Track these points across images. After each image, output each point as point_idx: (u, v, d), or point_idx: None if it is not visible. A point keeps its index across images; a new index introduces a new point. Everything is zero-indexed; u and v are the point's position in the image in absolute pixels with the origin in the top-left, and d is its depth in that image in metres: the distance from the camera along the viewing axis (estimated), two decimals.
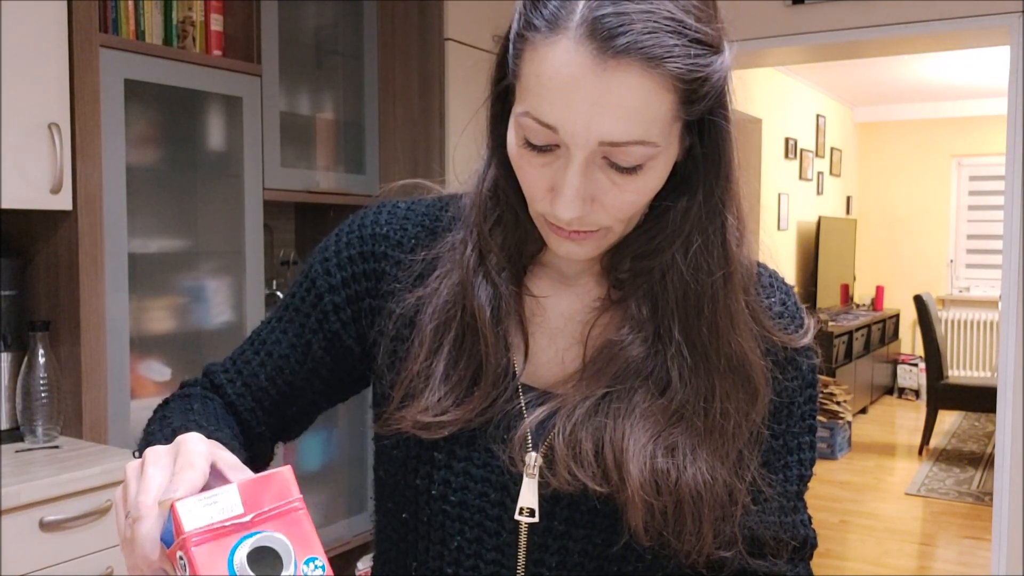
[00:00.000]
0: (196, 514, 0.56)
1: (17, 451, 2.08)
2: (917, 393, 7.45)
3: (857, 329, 6.67)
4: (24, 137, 2.02)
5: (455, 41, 2.99)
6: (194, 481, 0.59)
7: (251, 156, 2.64)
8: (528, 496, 0.78)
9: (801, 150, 6.99)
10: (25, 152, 2.02)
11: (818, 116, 7.41)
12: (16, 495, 1.80)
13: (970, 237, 8.02)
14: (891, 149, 8.30)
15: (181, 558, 0.55)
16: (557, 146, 0.71)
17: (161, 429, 0.81)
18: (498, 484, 0.79)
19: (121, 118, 2.27)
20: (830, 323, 6.34)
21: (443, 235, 0.86)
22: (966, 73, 6.62)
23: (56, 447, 2.11)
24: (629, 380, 0.77)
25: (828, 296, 7.12)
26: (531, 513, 0.78)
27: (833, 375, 6.11)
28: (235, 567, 0.55)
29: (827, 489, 4.99)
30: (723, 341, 0.77)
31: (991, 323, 7.74)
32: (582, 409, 0.77)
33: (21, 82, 2.02)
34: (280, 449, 3.10)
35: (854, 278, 7.97)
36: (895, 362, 7.71)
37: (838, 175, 7.97)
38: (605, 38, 0.65)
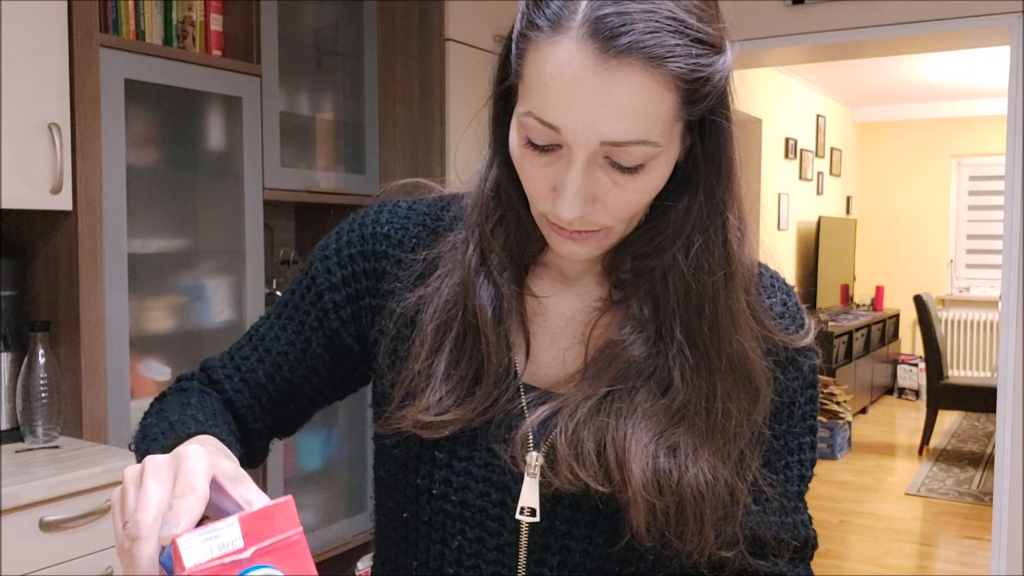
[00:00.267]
0: (197, 549, 0.56)
1: (17, 451, 2.08)
2: (917, 393, 7.45)
3: (857, 329, 6.67)
4: (24, 137, 2.02)
5: (455, 41, 2.99)
6: (195, 511, 0.59)
7: (251, 156, 2.64)
8: (529, 496, 0.78)
9: (801, 150, 6.99)
10: (25, 152, 2.02)
11: (818, 116, 7.41)
12: (16, 495, 1.80)
13: (970, 237, 8.02)
14: (891, 149, 8.30)
15: None
16: (559, 146, 0.71)
17: (159, 423, 0.81)
18: (499, 484, 0.79)
19: (121, 118, 2.27)
20: (830, 323, 6.34)
21: (444, 235, 0.86)
22: (966, 73, 6.62)
23: (56, 447, 2.11)
24: (631, 380, 0.78)
25: (828, 296, 7.12)
26: (532, 513, 0.78)
27: (833, 375, 6.11)
28: None
29: (827, 489, 4.99)
30: (724, 341, 0.77)
31: (991, 323, 7.74)
32: (584, 409, 0.77)
33: (21, 82, 2.02)
34: (280, 449, 3.10)
35: (854, 278, 7.98)
36: (895, 362, 7.71)
37: (838, 175, 7.98)
38: (607, 38, 0.65)
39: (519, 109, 0.72)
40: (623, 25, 0.65)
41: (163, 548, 0.58)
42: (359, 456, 3.15)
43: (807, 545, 0.85)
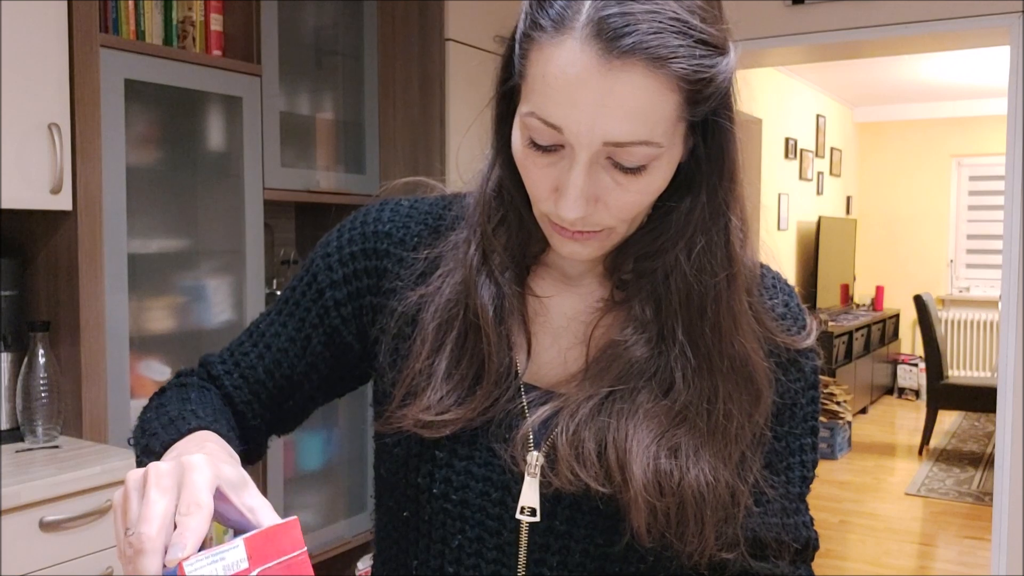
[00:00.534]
0: (203, 572, 0.57)
1: (17, 451, 2.08)
2: (917, 393, 7.45)
3: (857, 329, 6.67)
4: (24, 137, 2.02)
5: (455, 41, 2.98)
6: (201, 530, 0.58)
7: (251, 156, 2.64)
8: (529, 495, 0.78)
9: (801, 150, 6.99)
10: (25, 152, 2.02)
11: (818, 116, 7.41)
12: (16, 495, 1.80)
13: (970, 237, 8.02)
14: (891, 149, 8.30)
15: None
16: (562, 146, 0.70)
17: (158, 417, 0.81)
18: (499, 483, 0.79)
19: (121, 118, 2.27)
20: (830, 323, 6.34)
21: (446, 234, 0.86)
22: (966, 73, 6.62)
23: (56, 447, 2.11)
24: (632, 380, 0.77)
25: (828, 296, 7.13)
26: (532, 512, 0.78)
27: (833, 375, 6.11)
28: None
29: (827, 489, 4.99)
30: (726, 342, 0.77)
31: (991, 323, 7.74)
32: (585, 409, 0.77)
33: (21, 82, 2.01)
34: (280, 449, 3.09)
35: (854, 278, 7.98)
36: (895, 362, 7.71)
37: (838, 175, 7.98)
38: (610, 38, 0.65)
39: (522, 109, 0.72)
40: (627, 26, 0.65)
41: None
42: (359, 456, 3.15)
43: (808, 546, 0.85)
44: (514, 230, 0.81)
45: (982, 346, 7.86)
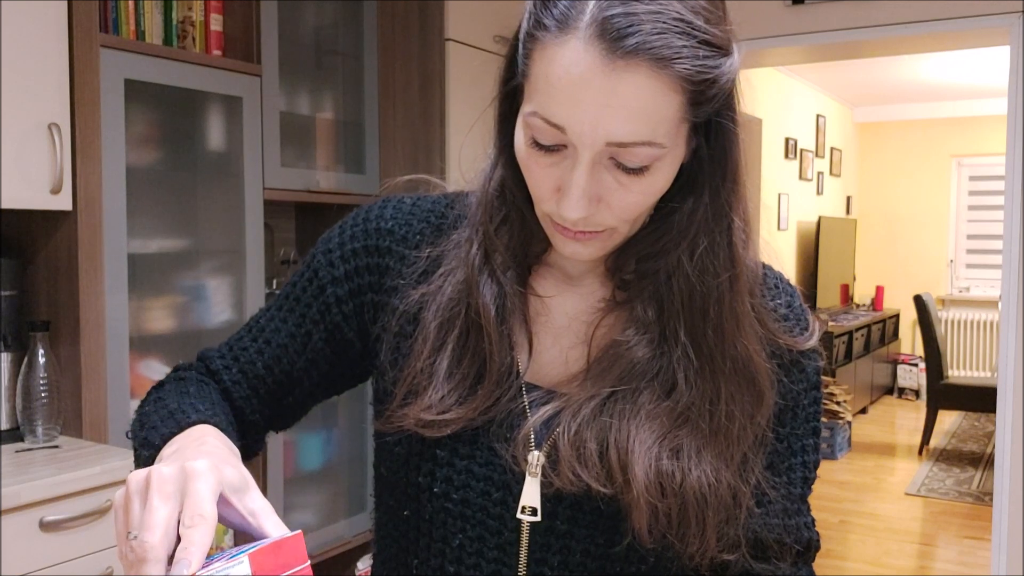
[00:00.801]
0: None
1: (17, 451, 2.08)
2: (917, 393, 7.45)
3: (857, 329, 6.67)
4: (24, 137, 2.02)
5: (455, 41, 2.98)
6: (205, 543, 0.58)
7: (251, 156, 2.63)
8: (530, 495, 0.78)
9: (801, 150, 6.99)
10: (25, 152, 2.02)
11: (818, 116, 7.41)
12: (16, 495, 1.80)
13: (970, 237, 8.02)
14: (891, 149, 8.30)
15: None
16: (564, 146, 0.70)
17: (157, 411, 0.81)
18: (500, 483, 0.79)
19: (121, 118, 2.27)
20: (830, 323, 6.34)
21: (448, 233, 0.86)
22: (966, 73, 6.62)
23: (56, 447, 2.11)
24: (634, 381, 0.77)
25: (828, 296, 7.13)
26: (533, 512, 0.78)
27: (833, 375, 6.11)
28: None
29: (827, 489, 4.99)
30: (729, 344, 0.77)
31: (991, 323, 7.74)
32: (587, 409, 0.77)
33: (21, 82, 2.01)
34: (280, 449, 3.08)
35: (854, 278, 7.98)
36: (895, 362, 7.71)
37: (838, 175, 7.98)
38: (614, 38, 0.65)
39: (525, 109, 0.72)
40: (630, 26, 0.65)
41: None
42: (359, 456, 3.15)
43: (810, 547, 0.85)
44: (516, 230, 0.81)
45: (982, 346, 7.86)
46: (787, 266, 6.80)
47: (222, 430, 0.76)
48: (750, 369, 0.78)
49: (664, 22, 0.65)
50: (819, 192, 7.48)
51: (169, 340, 2.56)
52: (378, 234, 0.87)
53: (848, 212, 8.27)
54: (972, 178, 8.03)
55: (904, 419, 6.92)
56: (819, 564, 0.88)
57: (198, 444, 0.72)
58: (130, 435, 0.84)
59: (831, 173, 7.79)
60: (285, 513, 2.83)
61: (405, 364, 0.82)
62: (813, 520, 0.87)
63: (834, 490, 5.01)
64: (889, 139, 8.31)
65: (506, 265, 0.81)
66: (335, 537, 3.01)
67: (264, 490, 2.39)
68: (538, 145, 0.71)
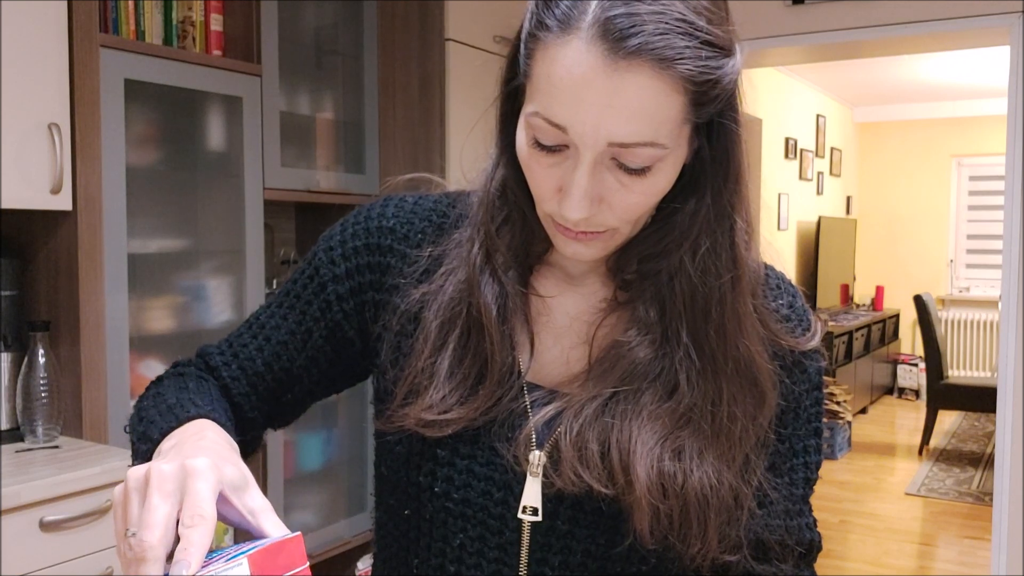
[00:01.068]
0: None
1: (17, 451, 2.08)
2: (917, 393, 7.45)
3: (857, 329, 6.67)
4: (24, 137, 2.02)
5: (455, 41, 2.98)
6: (205, 543, 0.58)
7: (251, 156, 2.63)
8: (531, 495, 0.78)
9: (801, 150, 6.99)
10: (25, 152, 2.02)
11: (818, 116, 7.41)
12: (16, 495, 1.80)
13: (970, 237, 8.02)
14: (891, 149, 8.30)
15: None
16: (566, 146, 0.70)
17: (156, 405, 0.81)
18: (501, 483, 0.79)
19: (121, 118, 2.27)
20: (830, 323, 6.34)
21: (450, 232, 0.85)
22: (966, 73, 6.62)
23: (56, 447, 2.11)
24: (636, 382, 0.77)
25: (828, 296, 7.13)
26: (534, 512, 0.78)
27: (833, 375, 6.11)
28: None
29: (827, 489, 4.99)
30: (731, 345, 0.77)
31: (991, 323, 7.74)
32: (589, 409, 0.77)
33: (21, 82, 2.01)
34: (280, 449, 3.08)
35: (854, 278, 7.98)
36: (895, 362, 7.71)
37: (838, 175, 7.98)
38: (617, 39, 0.65)
39: (527, 109, 0.72)
40: (633, 26, 0.65)
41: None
42: (359, 456, 3.15)
43: (812, 549, 0.85)
44: (517, 229, 0.81)
45: (982, 346, 7.86)
46: (787, 266, 6.78)
47: (221, 425, 0.76)
48: (752, 370, 0.78)
49: (667, 22, 0.65)
50: (819, 192, 7.48)
51: (169, 340, 2.56)
52: (380, 232, 0.87)
53: (848, 212, 8.27)
54: (972, 178, 8.03)
55: (904, 419, 6.92)
56: (819, 564, 0.88)
57: (197, 439, 0.71)
58: (128, 429, 0.84)
59: (831, 173, 7.79)
60: (285, 513, 2.83)
61: (406, 363, 0.82)
62: (815, 521, 0.87)
63: (834, 490, 5.01)
64: (889, 139, 8.30)
65: (507, 265, 0.81)
66: (335, 537, 3.01)
67: (264, 490, 2.38)
68: (540, 145, 0.71)
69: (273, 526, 0.63)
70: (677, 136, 0.70)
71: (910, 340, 8.12)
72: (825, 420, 5.83)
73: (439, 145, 2.99)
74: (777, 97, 6.44)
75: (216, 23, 2.60)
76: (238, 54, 2.66)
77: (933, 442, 5.90)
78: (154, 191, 2.49)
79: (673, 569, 0.79)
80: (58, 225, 2.18)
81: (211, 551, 0.60)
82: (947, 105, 7.88)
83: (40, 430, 2.12)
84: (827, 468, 5.40)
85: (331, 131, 3.02)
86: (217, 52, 2.60)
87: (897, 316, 7.94)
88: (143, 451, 0.77)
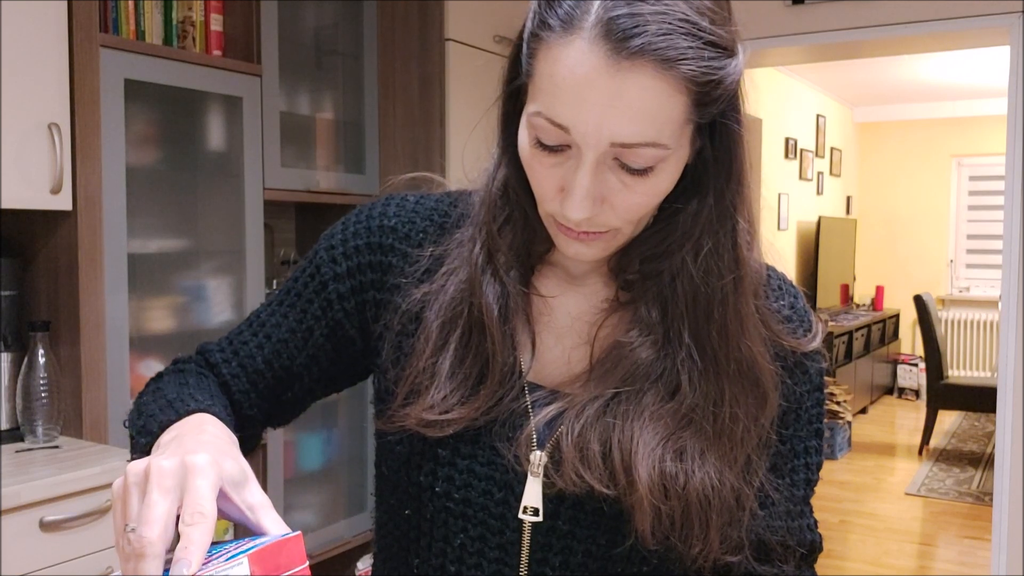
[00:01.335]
0: None
1: (17, 451, 2.07)
2: (917, 393, 7.45)
3: (857, 329, 6.67)
4: (24, 137, 2.02)
5: (455, 41, 2.98)
6: (205, 541, 0.58)
7: (251, 156, 2.63)
8: (532, 495, 0.78)
9: (801, 150, 6.99)
10: (25, 152, 2.02)
11: (818, 116, 7.41)
12: (16, 495, 1.80)
13: (970, 237, 8.02)
14: (891, 149, 8.30)
15: None
16: (568, 146, 0.70)
17: (155, 400, 0.81)
18: (502, 483, 0.78)
19: (121, 118, 2.27)
20: (830, 323, 6.34)
21: (451, 231, 0.85)
22: (966, 73, 6.62)
23: (56, 447, 2.10)
24: (638, 382, 0.77)
25: (828, 296, 7.13)
26: (535, 512, 0.77)
27: (833, 375, 6.11)
28: None
29: (827, 489, 4.99)
30: (733, 345, 0.77)
31: (991, 323, 7.74)
32: (591, 410, 0.77)
33: (21, 82, 2.01)
34: (280, 449, 3.08)
35: (854, 278, 7.98)
36: (895, 362, 7.71)
37: (838, 175, 7.98)
38: (619, 39, 0.65)
39: (529, 109, 0.71)
40: (636, 27, 0.65)
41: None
42: (359, 456, 3.15)
43: (813, 549, 0.85)
44: (519, 229, 0.81)
45: (982, 346, 7.86)
46: (787, 266, 6.78)
47: (219, 418, 0.76)
48: (754, 371, 0.78)
49: (669, 23, 0.65)
50: (819, 192, 7.48)
51: (169, 340, 2.56)
52: (381, 231, 0.87)
53: (848, 212, 8.27)
54: (972, 178, 8.03)
55: (904, 419, 6.92)
56: (819, 564, 0.88)
57: (197, 433, 0.71)
58: (127, 424, 0.84)
59: (831, 173, 7.79)
60: (285, 513, 2.83)
61: (407, 363, 0.82)
62: (816, 521, 0.87)
63: (834, 490, 5.01)
64: (889, 139, 8.30)
65: (509, 265, 0.81)
66: (335, 537, 3.01)
67: (264, 490, 2.38)
68: (542, 145, 0.71)
69: (272, 522, 0.63)
70: (679, 136, 0.70)
71: (910, 340, 8.12)
72: (825, 420, 5.89)
73: (439, 145, 2.99)
74: (777, 97, 6.44)
75: (216, 23, 2.60)
76: (238, 54, 2.66)
77: (933, 442, 5.90)
78: (154, 191, 2.49)
79: (674, 570, 0.79)
80: (58, 225, 2.18)
81: (211, 545, 0.60)
82: (947, 105, 7.88)
83: (40, 430, 2.12)
84: (827, 468, 5.40)
85: (331, 131, 3.02)
86: (217, 52, 2.60)
87: (897, 316, 7.94)
88: (142, 444, 0.77)
